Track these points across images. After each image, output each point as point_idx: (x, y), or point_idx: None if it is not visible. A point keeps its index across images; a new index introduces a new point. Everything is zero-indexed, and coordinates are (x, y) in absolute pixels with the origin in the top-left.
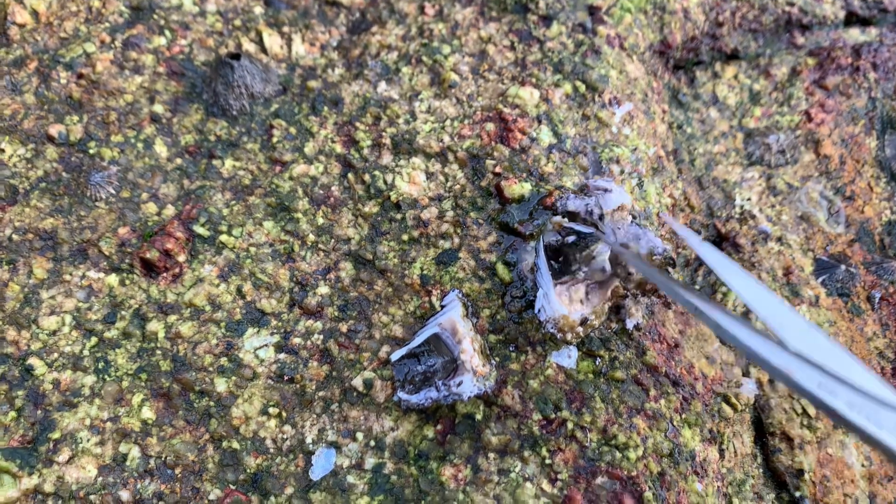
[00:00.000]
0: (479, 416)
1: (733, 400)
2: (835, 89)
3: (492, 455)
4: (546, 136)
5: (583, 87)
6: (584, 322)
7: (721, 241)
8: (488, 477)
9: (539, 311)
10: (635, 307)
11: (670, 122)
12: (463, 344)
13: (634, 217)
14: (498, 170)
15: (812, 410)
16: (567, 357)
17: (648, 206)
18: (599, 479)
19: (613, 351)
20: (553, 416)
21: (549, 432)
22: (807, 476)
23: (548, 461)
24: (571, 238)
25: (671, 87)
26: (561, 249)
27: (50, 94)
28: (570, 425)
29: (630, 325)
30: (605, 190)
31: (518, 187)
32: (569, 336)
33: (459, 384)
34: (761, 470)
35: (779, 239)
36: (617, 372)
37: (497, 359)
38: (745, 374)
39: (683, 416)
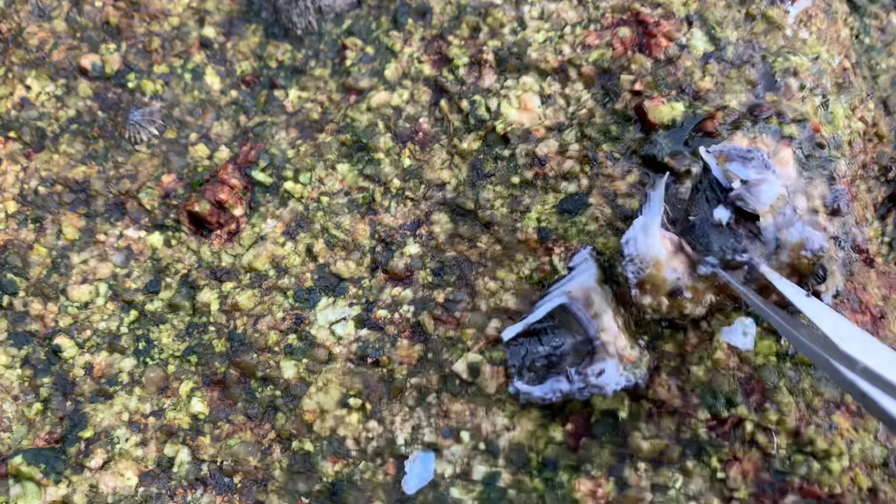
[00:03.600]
0: (623, 414)
1: None
2: None
3: (642, 465)
4: (700, 43)
5: None
6: (674, 292)
7: None
8: (639, 494)
9: (626, 242)
10: (830, 267)
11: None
12: (603, 320)
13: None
14: (638, 87)
15: None
16: (741, 335)
17: (837, 133)
18: (791, 498)
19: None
20: (725, 413)
21: (721, 435)
22: None
23: (720, 474)
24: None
25: None
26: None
27: (83, 19)
28: (748, 426)
29: (828, 298)
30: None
31: (667, 109)
32: (647, 300)
33: (600, 374)
34: None
35: None
36: None
37: (646, 337)
38: None
39: None
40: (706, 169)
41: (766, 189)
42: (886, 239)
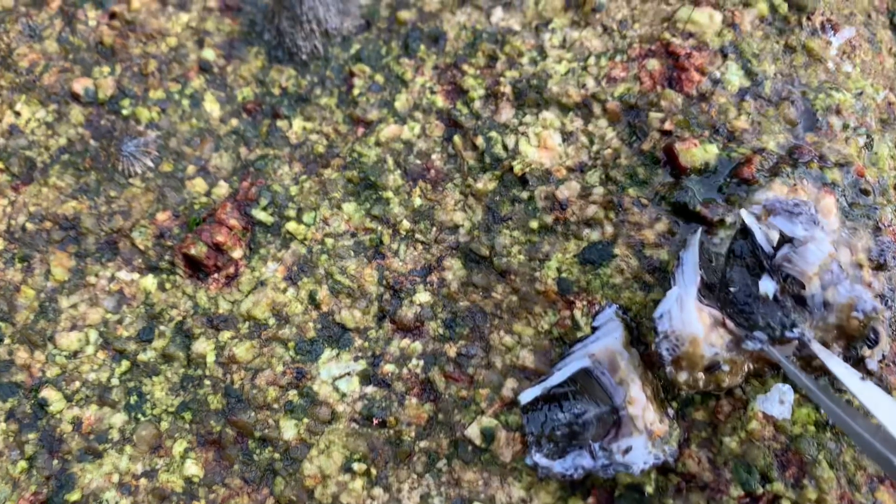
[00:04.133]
0: (649, 489)
1: None
2: None
3: None
4: (735, 77)
5: (784, 7)
6: (712, 367)
7: None
8: None
9: (660, 317)
10: (878, 327)
11: None
12: (630, 390)
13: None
14: (668, 126)
15: None
16: (778, 403)
17: (882, 177)
18: None
19: (843, 392)
20: (760, 490)
21: None
22: None
23: None
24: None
25: (888, 9)
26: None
27: (76, 39)
28: None
29: (873, 363)
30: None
31: (699, 151)
32: (682, 376)
33: (627, 451)
34: None
35: None
36: None
37: (675, 404)
38: None
39: None
40: (745, 232)
41: (813, 249)
42: None
